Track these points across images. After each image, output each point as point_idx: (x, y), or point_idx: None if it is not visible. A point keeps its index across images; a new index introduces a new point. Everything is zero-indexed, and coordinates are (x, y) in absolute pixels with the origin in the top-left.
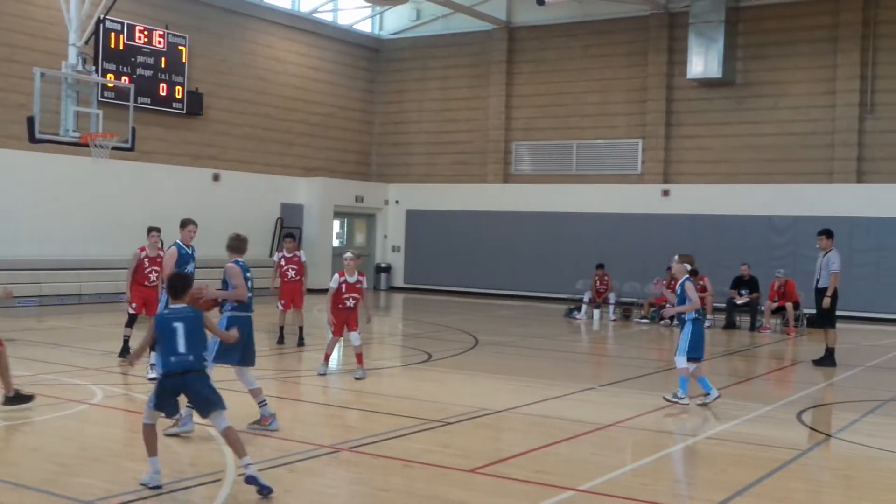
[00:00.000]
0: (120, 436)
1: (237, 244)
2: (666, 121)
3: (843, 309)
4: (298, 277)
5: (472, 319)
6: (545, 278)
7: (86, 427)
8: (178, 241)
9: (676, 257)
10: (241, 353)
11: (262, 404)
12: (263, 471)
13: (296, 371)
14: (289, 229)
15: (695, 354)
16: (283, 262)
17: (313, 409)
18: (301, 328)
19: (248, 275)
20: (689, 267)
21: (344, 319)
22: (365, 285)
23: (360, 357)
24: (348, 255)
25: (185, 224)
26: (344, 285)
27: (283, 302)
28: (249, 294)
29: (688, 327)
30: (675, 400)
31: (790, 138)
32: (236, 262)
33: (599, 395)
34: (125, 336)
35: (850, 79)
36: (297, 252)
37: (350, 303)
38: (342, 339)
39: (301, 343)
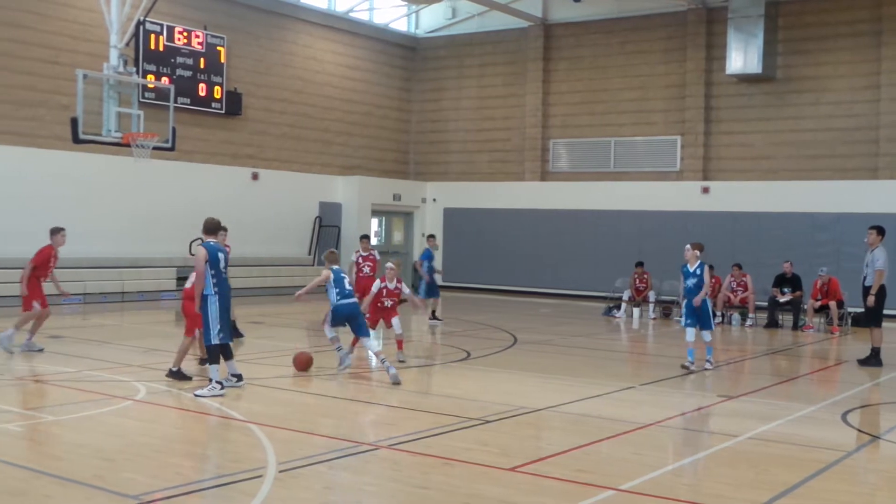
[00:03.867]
0: (163, 431)
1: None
2: (705, 117)
3: (889, 308)
4: (372, 274)
5: (510, 317)
6: (584, 276)
7: (130, 423)
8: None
9: (689, 245)
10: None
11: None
12: (302, 468)
13: (333, 369)
14: (327, 227)
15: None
16: (360, 260)
17: (353, 407)
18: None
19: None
20: (698, 253)
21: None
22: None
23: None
24: (389, 264)
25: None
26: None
27: (357, 295)
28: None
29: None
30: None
31: (833, 134)
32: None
33: (640, 394)
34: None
35: (894, 72)
36: (372, 251)
37: (387, 303)
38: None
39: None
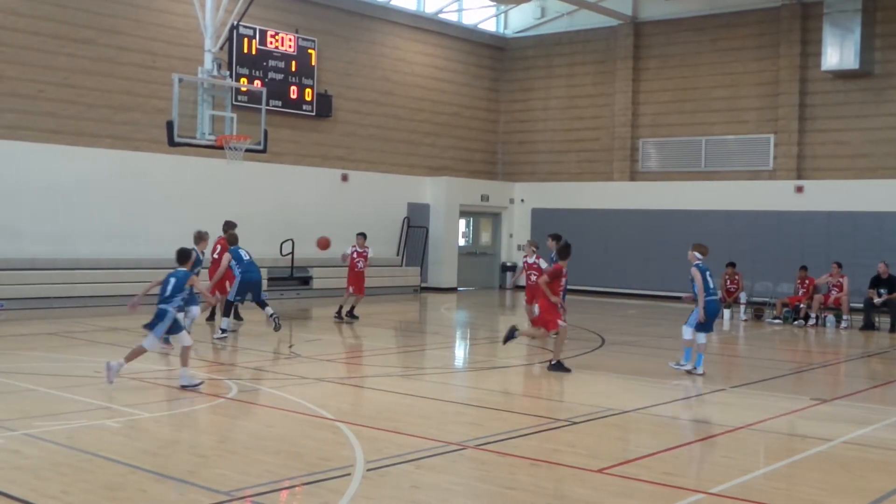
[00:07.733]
0: (253, 429)
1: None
2: (799, 115)
3: None
4: (364, 269)
5: (598, 319)
6: (673, 277)
7: (222, 420)
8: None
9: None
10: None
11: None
12: (390, 467)
13: (421, 368)
14: (415, 227)
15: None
16: (354, 255)
17: (440, 407)
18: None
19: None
20: (699, 255)
21: None
22: None
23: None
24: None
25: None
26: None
27: (351, 288)
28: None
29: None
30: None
31: None
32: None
33: (730, 396)
34: None
35: None
36: (366, 248)
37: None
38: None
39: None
